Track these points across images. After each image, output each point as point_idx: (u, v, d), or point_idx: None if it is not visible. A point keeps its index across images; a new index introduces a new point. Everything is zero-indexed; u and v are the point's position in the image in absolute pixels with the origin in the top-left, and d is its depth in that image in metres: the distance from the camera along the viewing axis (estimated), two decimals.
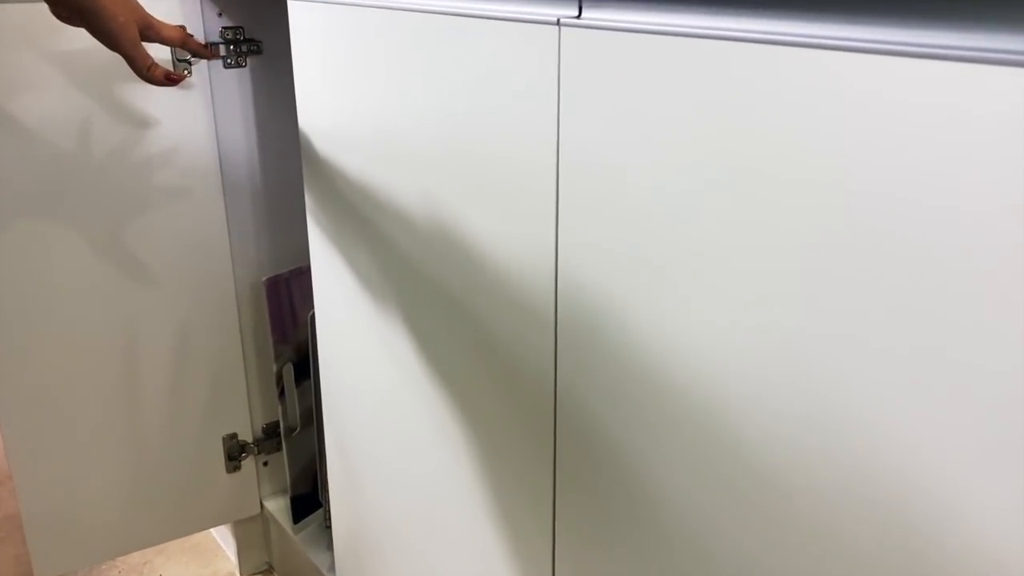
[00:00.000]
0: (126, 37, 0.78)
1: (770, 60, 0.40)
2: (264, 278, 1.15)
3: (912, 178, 0.36)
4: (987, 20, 0.33)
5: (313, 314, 0.94)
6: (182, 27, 0.91)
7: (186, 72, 1.05)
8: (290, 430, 1.20)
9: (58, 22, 0.79)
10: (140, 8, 0.80)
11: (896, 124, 0.36)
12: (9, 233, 0.99)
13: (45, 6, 0.77)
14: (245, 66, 1.10)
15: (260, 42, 1.10)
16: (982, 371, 0.35)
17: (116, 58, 0.99)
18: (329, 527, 1.07)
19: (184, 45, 0.88)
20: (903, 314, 0.37)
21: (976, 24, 0.34)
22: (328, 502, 1.02)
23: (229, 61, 1.09)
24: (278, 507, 1.27)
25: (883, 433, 0.39)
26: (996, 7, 0.33)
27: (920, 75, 0.35)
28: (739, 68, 0.41)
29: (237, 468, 1.23)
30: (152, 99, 1.03)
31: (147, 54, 0.81)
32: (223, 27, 1.07)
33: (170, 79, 0.84)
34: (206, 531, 1.43)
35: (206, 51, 0.97)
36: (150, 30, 0.82)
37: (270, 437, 1.25)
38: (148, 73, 0.82)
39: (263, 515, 1.30)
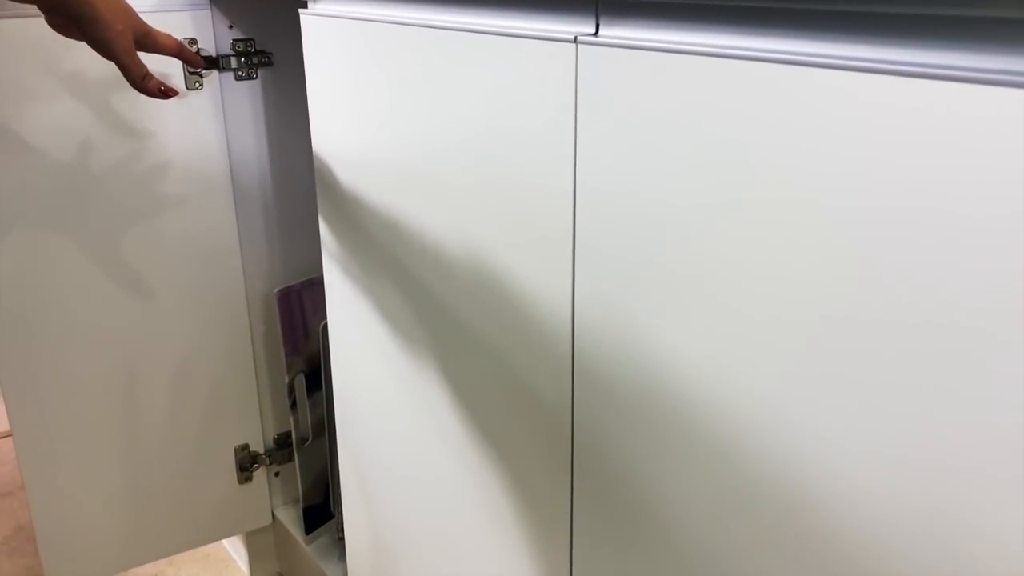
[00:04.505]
0: (121, 46, 0.76)
1: (792, 80, 0.40)
2: (275, 289, 1.15)
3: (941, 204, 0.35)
4: (996, 42, 0.34)
5: (325, 325, 0.94)
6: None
7: (197, 84, 1.05)
8: (302, 441, 1.20)
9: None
10: (137, 17, 0.78)
11: (920, 145, 0.36)
12: (20, 245, 1.00)
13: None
14: (256, 78, 1.10)
15: (271, 54, 1.10)
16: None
17: None
18: (341, 538, 1.07)
19: (180, 55, 0.86)
20: (918, 326, 0.37)
21: (987, 46, 0.34)
22: (340, 513, 1.02)
23: (240, 73, 1.09)
24: (290, 518, 1.27)
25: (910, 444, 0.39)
26: (999, 30, 0.33)
27: (940, 96, 0.34)
28: (759, 88, 0.41)
29: (248, 479, 1.23)
30: (163, 111, 1.03)
31: (142, 64, 0.79)
32: (234, 39, 1.07)
33: (163, 91, 0.82)
34: (218, 542, 1.43)
35: (201, 62, 0.94)
36: (147, 38, 0.80)
37: (281, 448, 1.25)
38: (142, 83, 0.80)
39: (275, 526, 1.30)
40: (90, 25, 0.74)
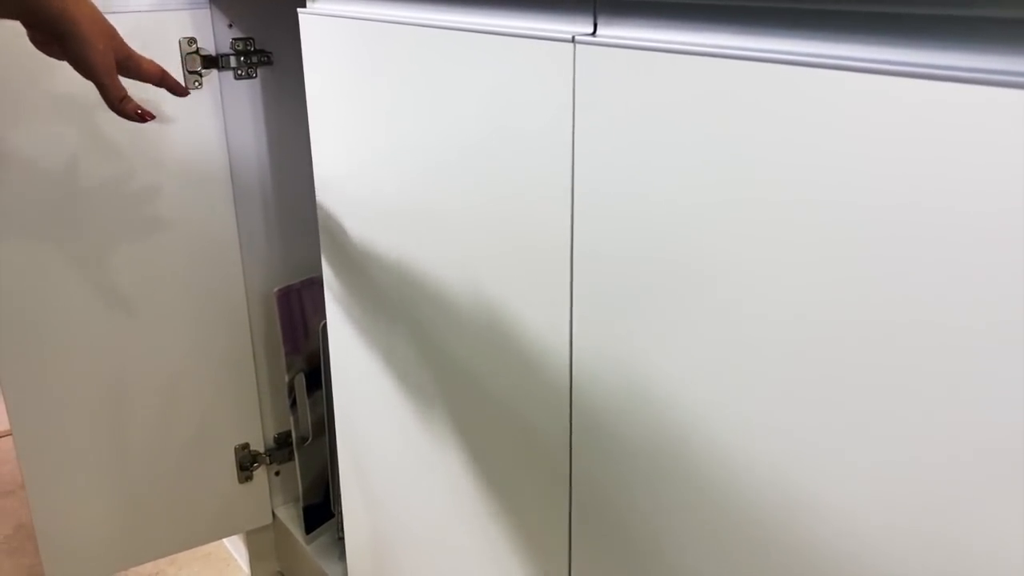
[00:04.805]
0: (102, 66, 0.75)
1: (789, 80, 0.40)
2: (275, 289, 1.15)
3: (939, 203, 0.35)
4: (995, 43, 0.33)
5: (324, 324, 0.93)
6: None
7: (197, 84, 1.05)
8: (302, 440, 1.20)
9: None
10: (120, 39, 0.77)
11: (919, 145, 0.35)
12: (19, 245, 1.00)
13: None
14: (256, 77, 1.10)
15: (271, 53, 1.10)
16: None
17: None
18: (341, 538, 1.07)
19: (162, 83, 0.83)
20: (932, 343, 0.37)
21: (983, 46, 0.34)
22: (340, 512, 1.02)
23: (240, 72, 1.09)
24: (290, 517, 1.27)
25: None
26: (999, 31, 0.33)
27: (939, 96, 0.34)
28: (757, 88, 0.41)
29: (249, 478, 1.23)
30: (162, 111, 1.03)
31: (121, 86, 0.78)
32: (233, 38, 1.07)
33: (140, 115, 0.80)
34: (218, 541, 1.43)
35: (183, 90, 0.91)
36: (129, 62, 0.79)
37: (282, 447, 1.25)
38: (120, 105, 0.78)
39: (275, 525, 1.30)
40: (72, 43, 0.73)
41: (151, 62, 0.81)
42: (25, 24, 0.74)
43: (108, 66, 0.76)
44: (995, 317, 0.34)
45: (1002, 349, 0.34)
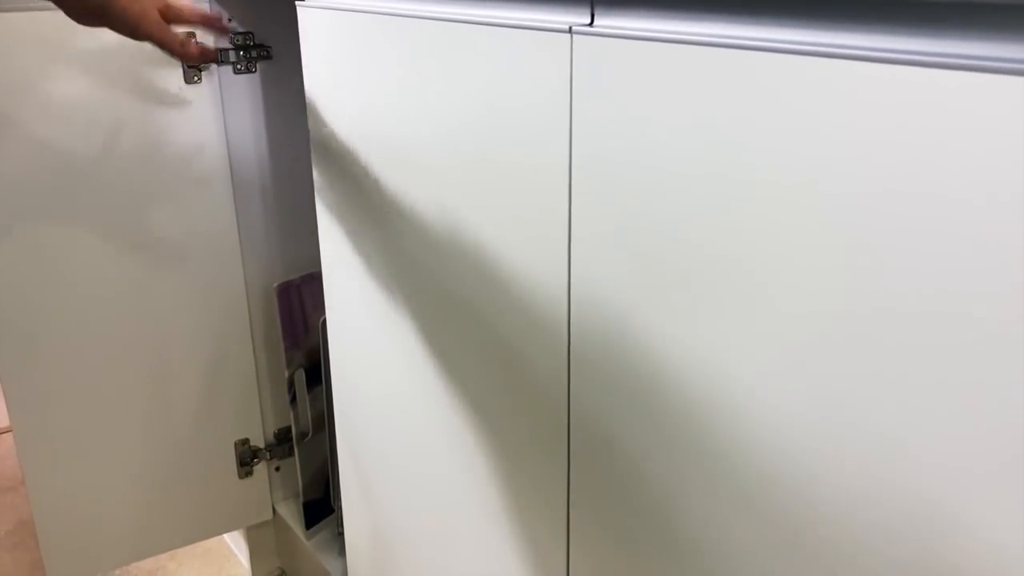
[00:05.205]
0: (149, 22, 0.76)
1: (786, 69, 0.39)
2: (275, 284, 1.14)
3: (934, 190, 0.35)
4: (994, 30, 0.33)
5: (324, 320, 0.93)
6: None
7: (196, 79, 1.05)
8: (302, 436, 1.20)
9: (66, 28, 0.76)
10: None
11: (917, 133, 0.35)
12: (19, 238, 1.00)
13: (55, 13, 0.76)
14: (255, 71, 1.10)
15: (270, 47, 1.10)
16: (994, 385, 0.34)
17: (124, 65, 1.00)
18: (341, 533, 1.07)
19: (205, 24, 0.84)
20: (918, 317, 0.37)
21: (983, 34, 0.33)
22: (341, 508, 1.02)
23: (239, 67, 1.09)
24: (290, 513, 1.27)
25: (895, 438, 0.39)
26: (997, 17, 0.33)
27: (938, 84, 0.34)
28: (754, 77, 0.41)
29: (249, 474, 1.23)
30: (162, 106, 1.03)
31: (175, 33, 0.78)
32: (233, 33, 1.07)
33: (205, 55, 0.80)
34: (219, 536, 1.43)
35: (229, 31, 0.91)
36: (169, 11, 0.79)
37: (282, 443, 1.25)
38: (183, 51, 0.79)
39: (275, 521, 1.30)
40: (118, 26, 0.73)
41: (190, 7, 0.81)
42: (67, 11, 0.74)
43: (156, 21, 0.76)
44: (992, 298, 0.34)
45: (1002, 327, 0.34)
